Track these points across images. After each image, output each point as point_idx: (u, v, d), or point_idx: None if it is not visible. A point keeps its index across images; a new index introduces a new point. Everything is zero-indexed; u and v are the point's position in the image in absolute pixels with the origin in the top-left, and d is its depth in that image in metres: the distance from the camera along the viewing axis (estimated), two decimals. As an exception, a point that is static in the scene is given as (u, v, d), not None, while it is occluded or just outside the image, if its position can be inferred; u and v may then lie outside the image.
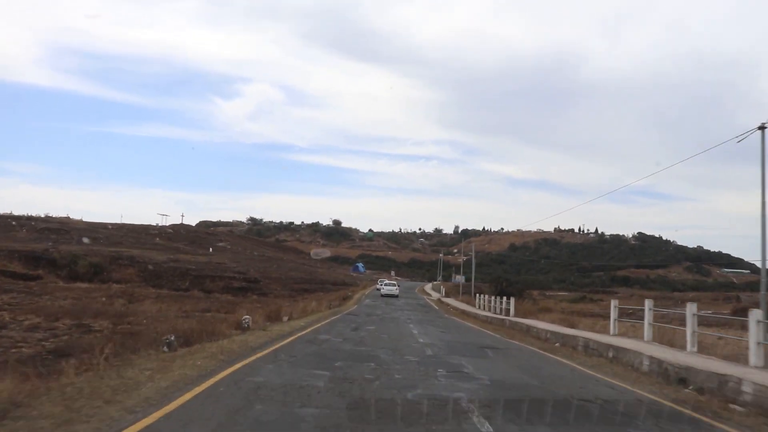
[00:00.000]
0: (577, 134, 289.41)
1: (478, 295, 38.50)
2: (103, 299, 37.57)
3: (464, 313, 33.75)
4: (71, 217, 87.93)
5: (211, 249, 74.77)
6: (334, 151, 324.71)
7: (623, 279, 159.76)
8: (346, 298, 45.42)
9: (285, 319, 20.16)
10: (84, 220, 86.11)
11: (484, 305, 35.04)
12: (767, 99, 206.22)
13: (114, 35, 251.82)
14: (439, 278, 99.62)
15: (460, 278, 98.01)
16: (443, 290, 62.86)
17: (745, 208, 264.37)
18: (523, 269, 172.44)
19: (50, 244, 60.59)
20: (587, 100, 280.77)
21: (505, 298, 29.21)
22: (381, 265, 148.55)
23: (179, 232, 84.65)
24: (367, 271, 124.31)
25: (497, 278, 78.12)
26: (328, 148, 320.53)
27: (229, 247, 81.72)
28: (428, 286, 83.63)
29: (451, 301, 47.95)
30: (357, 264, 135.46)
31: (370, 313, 29.21)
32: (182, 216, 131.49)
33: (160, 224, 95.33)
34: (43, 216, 78.48)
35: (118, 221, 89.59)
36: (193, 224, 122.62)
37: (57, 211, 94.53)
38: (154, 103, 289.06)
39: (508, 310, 27.52)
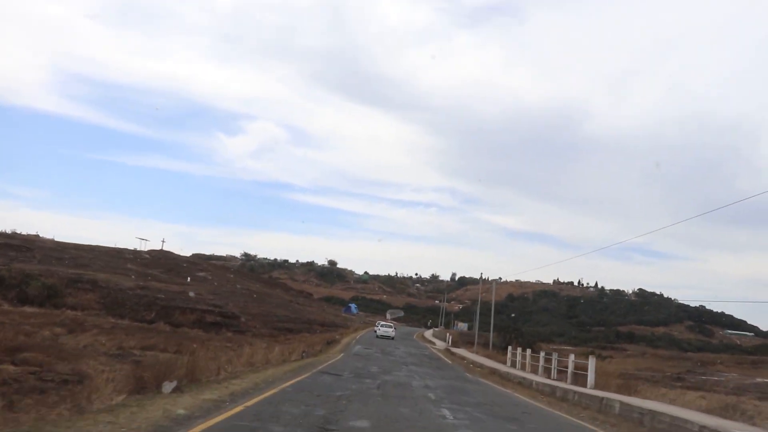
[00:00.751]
0: (578, 189, 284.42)
1: (510, 348, 30.22)
2: (29, 328, 30.32)
3: (497, 375, 24.76)
4: (41, 235, 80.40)
5: (189, 279, 67.25)
6: (333, 192, 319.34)
7: (628, 335, 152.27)
8: (331, 342, 36.90)
9: (166, 389, 9.28)
10: (56, 240, 78.61)
11: (525, 364, 26.28)
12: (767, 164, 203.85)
13: (123, 65, 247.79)
14: (440, 325, 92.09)
15: (462, 326, 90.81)
16: (449, 338, 55.12)
17: (742, 271, 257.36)
18: (520, 320, 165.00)
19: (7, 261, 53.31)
20: (590, 156, 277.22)
21: (572, 357, 19.85)
22: (375, 308, 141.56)
23: (157, 258, 77.18)
24: (361, 313, 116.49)
25: (506, 327, 70.86)
26: (328, 189, 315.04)
27: (209, 277, 74.15)
28: (429, 333, 75.83)
29: (463, 352, 40.11)
30: (350, 304, 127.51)
31: (361, 371, 19.46)
32: (162, 242, 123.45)
33: (138, 249, 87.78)
34: (9, 232, 71.08)
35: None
36: (187, 256, 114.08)
37: (54, 236, 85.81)
38: (158, 135, 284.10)
39: (575, 375, 18.13)
